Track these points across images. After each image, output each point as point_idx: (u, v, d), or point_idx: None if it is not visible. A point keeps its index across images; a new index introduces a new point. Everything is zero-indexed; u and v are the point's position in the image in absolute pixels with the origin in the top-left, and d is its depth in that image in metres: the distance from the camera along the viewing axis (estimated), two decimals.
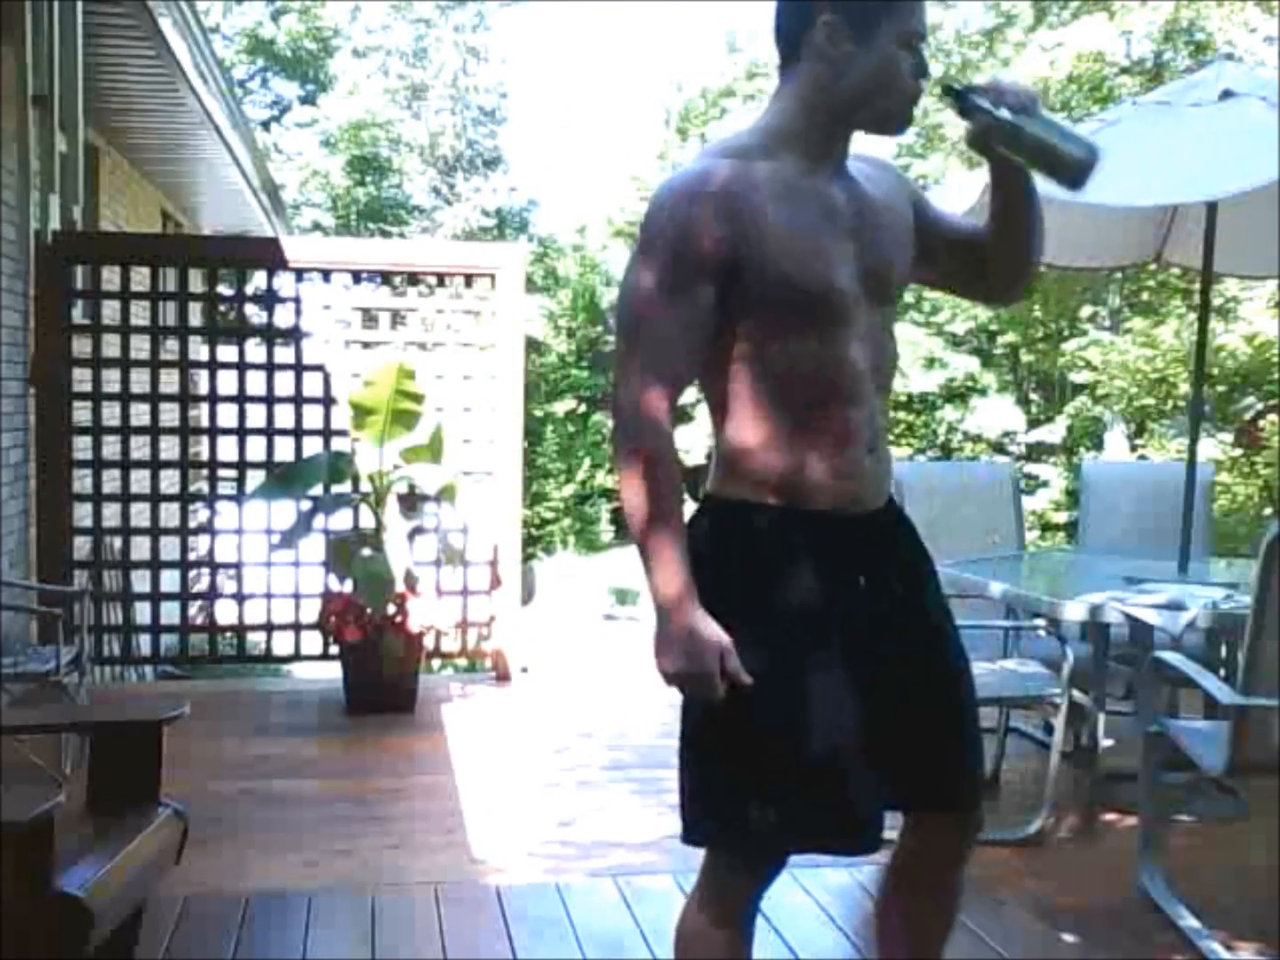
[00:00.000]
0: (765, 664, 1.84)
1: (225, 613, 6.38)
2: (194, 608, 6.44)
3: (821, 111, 1.90)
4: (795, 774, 1.90)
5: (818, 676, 1.88)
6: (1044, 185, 2.15)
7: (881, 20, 1.85)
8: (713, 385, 1.92)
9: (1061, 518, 17.67)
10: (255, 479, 5.96)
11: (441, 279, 6.22)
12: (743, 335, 1.87)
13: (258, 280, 6.23)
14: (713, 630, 1.82)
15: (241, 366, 6.01)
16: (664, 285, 1.81)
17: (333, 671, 5.67)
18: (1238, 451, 12.43)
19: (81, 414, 5.84)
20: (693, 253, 1.80)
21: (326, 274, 6.14)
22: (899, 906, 2.27)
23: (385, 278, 6.40)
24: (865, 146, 2.05)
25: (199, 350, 6.19)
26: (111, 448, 5.89)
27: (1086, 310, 18.22)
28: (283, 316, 6.35)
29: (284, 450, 5.99)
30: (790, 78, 1.92)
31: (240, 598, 6.11)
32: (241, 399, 5.98)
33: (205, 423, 6.06)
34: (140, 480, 5.94)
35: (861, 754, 1.90)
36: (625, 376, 1.85)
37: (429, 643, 5.66)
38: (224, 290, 6.27)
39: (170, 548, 6.02)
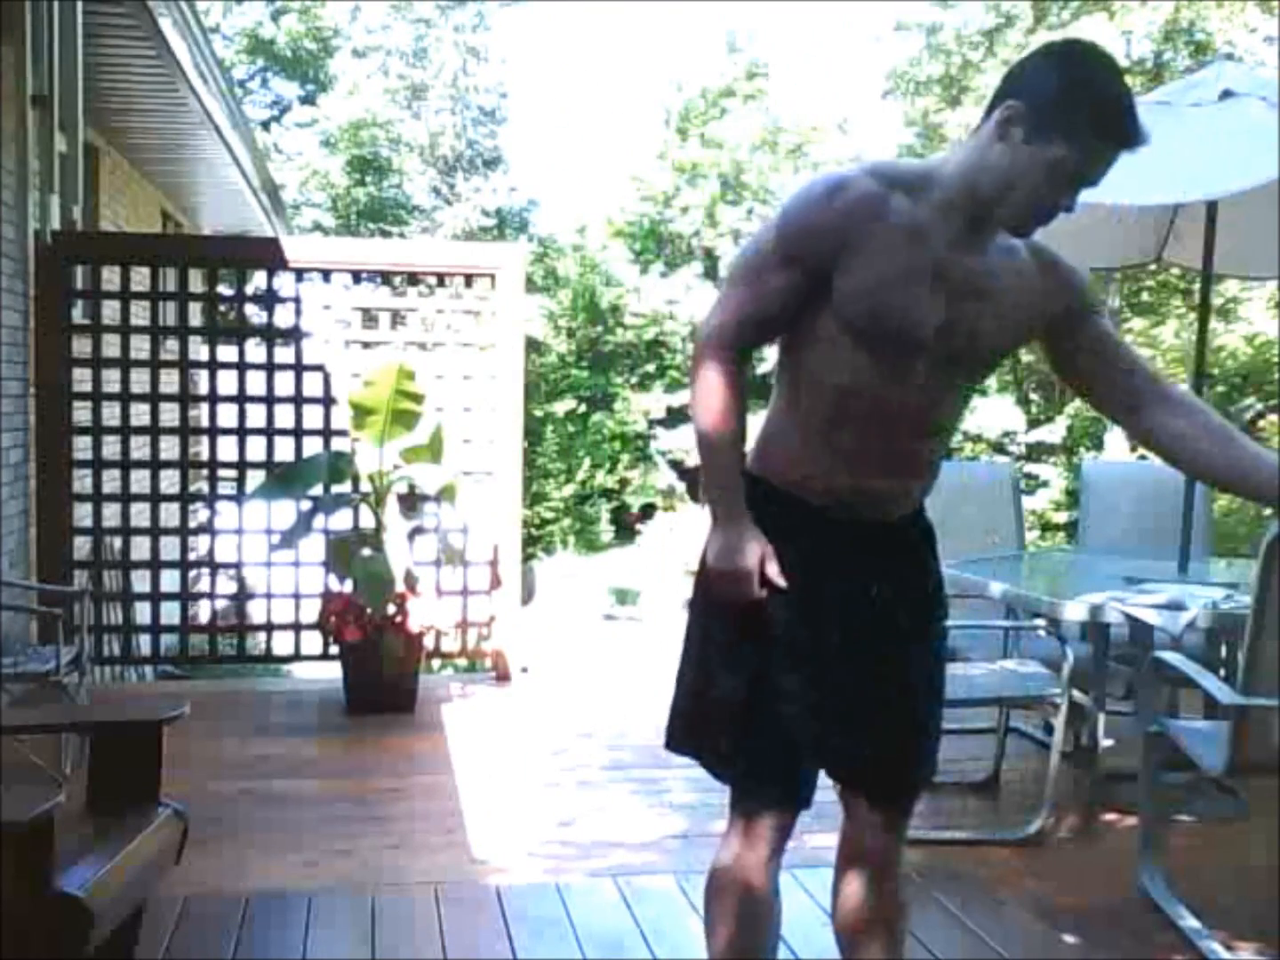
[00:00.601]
0: (758, 651, 2.08)
1: (225, 613, 6.40)
2: (204, 606, 6.43)
3: (969, 181, 1.99)
4: (757, 720, 2.09)
5: (798, 646, 2.08)
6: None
7: (1066, 139, 1.89)
8: (779, 370, 2.13)
9: (1061, 518, 17.67)
10: (255, 479, 5.96)
11: (441, 279, 6.22)
12: (813, 339, 2.05)
13: (258, 280, 6.23)
14: (757, 535, 2.04)
15: (241, 366, 6.01)
16: (774, 252, 2.02)
17: (333, 671, 5.67)
18: None
19: (81, 414, 5.84)
20: (799, 238, 2.00)
21: (326, 274, 6.14)
22: (861, 914, 2.30)
23: (385, 278, 6.40)
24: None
25: (199, 350, 6.19)
26: (111, 448, 5.89)
27: None
28: (283, 316, 6.34)
29: (284, 450, 5.99)
30: (971, 138, 2.02)
31: (240, 598, 6.11)
32: (241, 399, 5.97)
33: (205, 423, 6.06)
34: (140, 480, 5.94)
35: (817, 723, 2.11)
36: (719, 308, 2.08)
37: (429, 643, 5.66)
38: (224, 290, 6.27)
39: (170, 548, 6.02)
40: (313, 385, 6.04)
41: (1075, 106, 1.88)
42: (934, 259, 1.99)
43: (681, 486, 20.33)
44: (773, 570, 2.03)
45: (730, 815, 2.20)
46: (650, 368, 21.92)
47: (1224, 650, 4.48)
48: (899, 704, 2.17)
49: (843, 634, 2.11)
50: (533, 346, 19.84)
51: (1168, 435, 2.13)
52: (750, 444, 2.15)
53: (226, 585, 6.16)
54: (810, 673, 2.09)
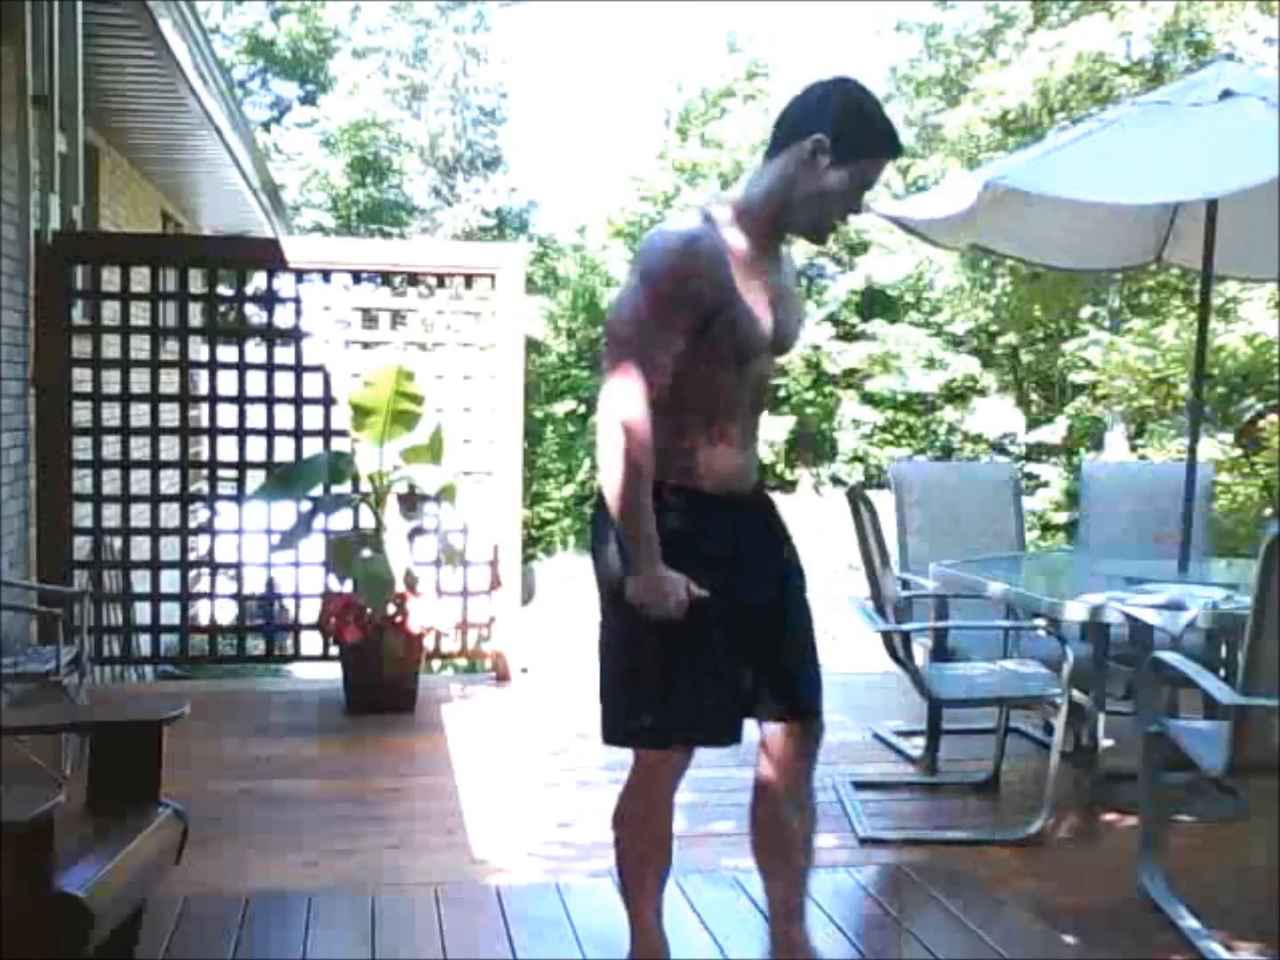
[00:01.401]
0: (675, 621, 2.42)
1: (225, 613, 6.39)
2: (204, 607, 6.42)
3: (779, 205, 2.40)
4: (673, 691, 2.49)
5: (703, 621, 2.42)
6: (1047, 187, 2.19)
7: (857, 159, 2.36)
8: (657, 393, 2.40)
9: (1061, 518, 17.67)
10: (255, 479, 5.96)
11: (441, 279, 6.21)
12: (685, 363, 2.38)
13: (258, 281, 6.22)
14: (673, 571, 2.39)
15: (241, 367, 6.01)
16: (655, 322, 2.34)
17: (333, 672, 5.67)
18: (1238, 451, 12.43)
19: (81, 414, 5.84)
20: (679, 294, 2.32)
21: (326, 274, 6.14)
22: (766, 815, 2.82)
23: (385, 278, 6.39)
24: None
25: (199, 350, 6.18)
26: (111, 448, 5.89)
27: (1086, 310, 18.22)
28: (283, 317, 6.34)
29: (284, 451, 5.99)
30: (771, 166, 2.43)
31: (241, 598, 6.11)
32: (241, 399, 5.97)
33: (205, 423, 6.06)
34: (140, 480, 5.94)
35: (728, 677, 2.53)
36: (615, 379, 2.36)
37: (429, 643, 5.66)
38: (224, 291, 6.27)
39: (170, 548, 6.02)
40: (313, 386, 6.03)
41: (862, 132, 2.35)
42: (762, 281, 2.40)
43: None
44: (694, 589, 2.39)
45: (639, 760, 2.64)
46: None
47: (1224, 650, 4.48)
48: (803, 642, 2.66)
49: (759, 578, 2.55)
50: (533, 347, 19.85)
51: None
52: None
53: (227, 585, 6.15)
54: (741, 635, 2.51)
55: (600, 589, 2.52)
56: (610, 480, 2.36)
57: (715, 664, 2.48)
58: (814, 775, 2.72)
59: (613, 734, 2.59)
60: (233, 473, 6.09)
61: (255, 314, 9.38)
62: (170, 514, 6.03)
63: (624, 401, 2.33)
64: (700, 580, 2.40)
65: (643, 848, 2.77)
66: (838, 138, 2.33)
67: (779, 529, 2.67)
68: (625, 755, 4.59)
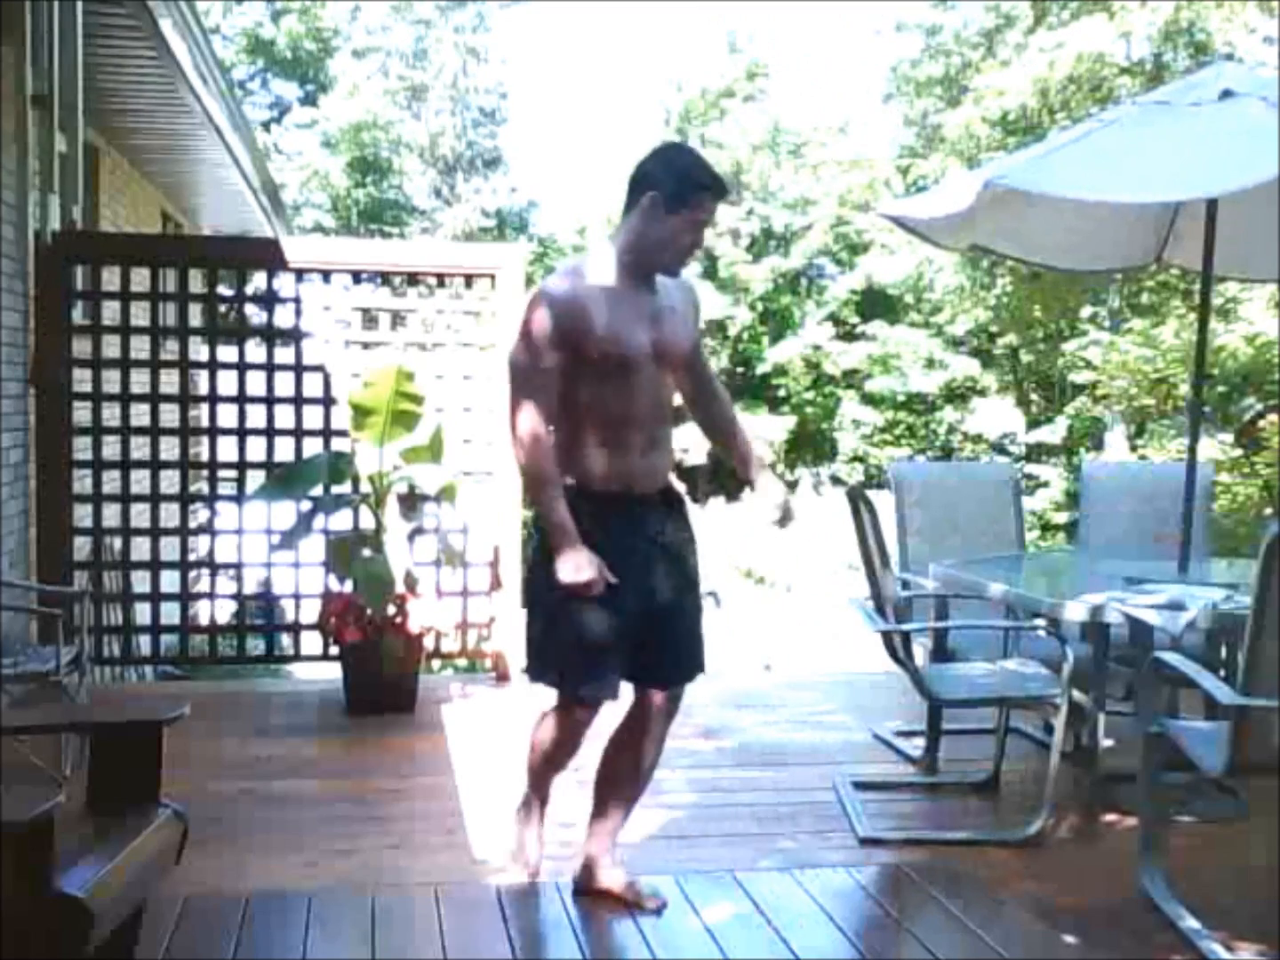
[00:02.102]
0: (581, 603, 3.00)
1: (225, 613, 6.40)
2: (204, 607, 6.43)
3: (636, 250, 3.04)
4: (576, 650, 3.06)
5: (610, 604, 3.00)
6: (1047, 187, 2.18)
7: (685, 208, 2.95)
8: (559, 408, 3.04)
9: (1061, 518, 17.68)
10: (255, 479, 5.96)
11: (441, 279, 6.21)
12: (578, 383, 3.00)
13: (258, 281, 6.22)
14: (590, 553, 2.97)
15: (241, 367, 6.01)
16: (534, 356, 2.98)
17: (333, 672, 5.66)
18: (1238, 451, 12.43)
19: (81, 414, 5.84)
20: (548, 338, 2.96)
21: (326, 274, 6.14)
22: (626, 750, 3.30)
23: (385, 278, 6.40)
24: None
25: (199, 351, 6.18)
26: (111, 448, 5.89)
27: (1086, 310, 18.23)
28: (283, 317, 6.34)
29: (284, 451, 5.99)
30: (626, 222, 3.08)
31: (241, 598, 6.11)
32: (241, 399, 5.97)
33: (205, 423, 6.05)
34: (140, 481, 5.94)
35: (616, 643, 3.05)
36: (517, 411, 3.00)
37: (429, 643, 5.66)
38: (224, 291, 6.27)
39: (170, 548, 6.02)
40: (313, 386, 6.03)
41: (685, 183, 2.95)
42: (633, 307, 2.99)
43: (682, 487, 20.32)
44: (605, 572, 2.98)
45: (560, 699, 3.19)
46: None
47: (1224, 650, 4.47)
48: (690, 616, 3.19)
49: (655, 567, 3.07)
50: None
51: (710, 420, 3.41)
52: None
53: (227, 586, 6.15)
54: (633, 611, 3.04)
55: (531, 561, 3.20)
56: (525, 485, 3.11)
57: (602, 637, 3.04)
58: (669, 723, 3.31)
59: (534, 678, 3.25)
60: (233, 473, 6.09)
61: (255, 314, 9.38)
62: (170, 514, 6.03)
63: (520, 424, 3.00)
64: (600, 551, 2.98)
65: (549, 764, 3.35)
66: (668, 192, 2.95)
67: (680, 528, 3.17)
68: None
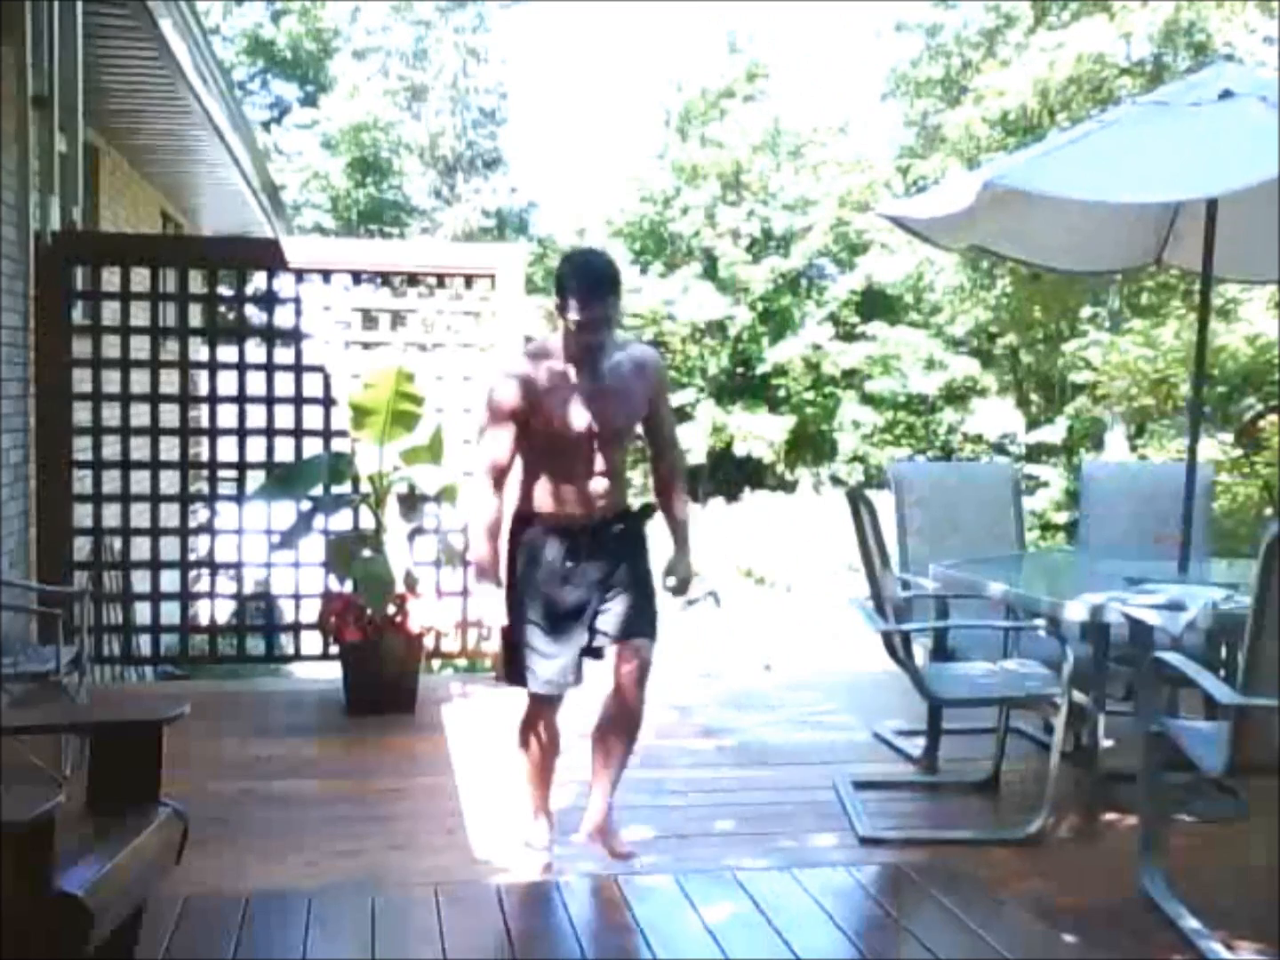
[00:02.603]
0: (523, 596, 3.54)
1: (225, 613, 6.39)
2: (204, 607, 6.42)
3: (564, 340, 3.51)
4: (539, 657, 3.54)
5: (554, 612, 3.52)
6: (1047, 186, 2.17)
7: (567, 311, 3.43)
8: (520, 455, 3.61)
9: (1061, 518, 17.67)
10: (255, 480, 5.96)
11: (441, 280, 6.21)
12: (527, 443, 3.54)
13: (258, 281, 6.22)
14: (496, 590, 3.58)
15: (241, 367, 6.01)
16: (493, 423, 3.54)
17: (333, 672, 5.66)
18: (1238, 451, 12.43)
19: (82, 414, 5.84)
20: (502, 410, 3.51)
21: (326, 275, 6.14)
22: (611, 718, 3.65)
23: (385, 279, 6.39)
24: None
25: (199, 351, 6.19)
26: (111, 448, 5.89)
27: (1086, 311, 18.23)
28: (283, 317, 6.34)
29: (284, 451, 5.99)
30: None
31: (241, 598, 6.11)
32: (241, 400, 5.97)
33: (205, 423, 6.06)
34: (140, 481, 5.94)
35: (562, 639, 3.53)
36: (484, 454, 3.58)
37: (429, 643, 5.66)
38: (224, 291, 6.27)
39: (170, 548, 6.02)
40: (313, 386, 6.04)
41: (563, 289, 3.44)
42: (572, 387, 3.48)
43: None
44: (500, 607, 3.56)
45: (529, 700, 3.62)
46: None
47: (1224, 650, 4.47)
48: (632, 602, 3.57)
49: (594, 575, 3.54)
50: None
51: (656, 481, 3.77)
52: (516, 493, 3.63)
53: (227, 585, 6.15)
54: (576, 616, 3.54)
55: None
56: (473, 521, 3.62)
57: (554, 646, 3.53)
58: (645, 687, 3.61)
59: (507, 681, 3.72)
60: (233, 473, 6.09)
61: (255, 314, 9.37)
62: (170, 514, 6.03)
63: (477, 474, 3.61)
64: (545, 579, 3.52)
65: (534, 757, 3.69)
66: (560, 293, 3.45)
67: (616, 550, 3.58)
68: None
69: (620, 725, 3.64)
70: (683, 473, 3.81)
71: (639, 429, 3.68)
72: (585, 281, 3.44)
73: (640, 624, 3.60)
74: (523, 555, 3.55)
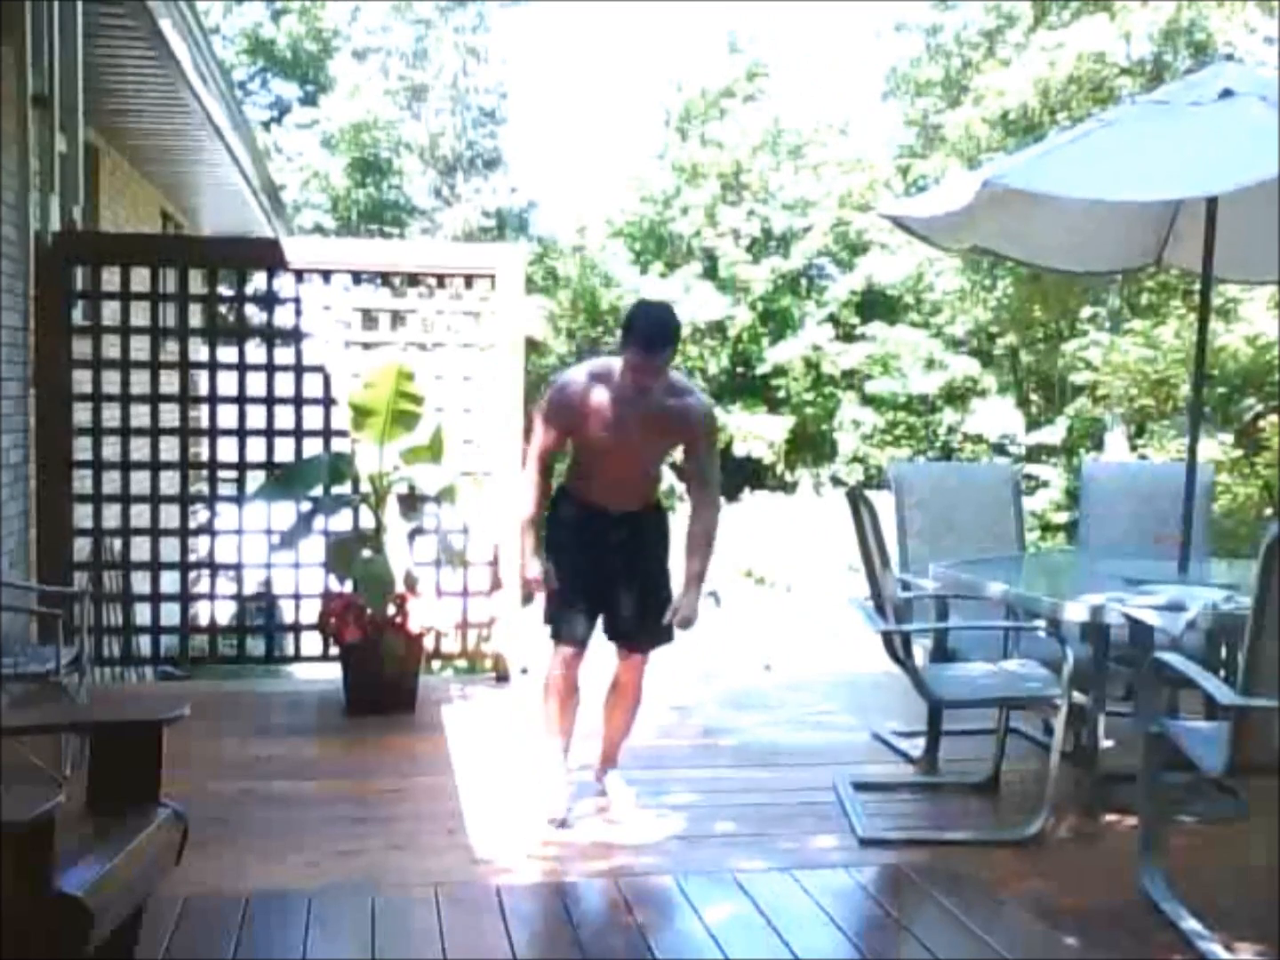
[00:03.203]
0: (561, 563, 4.07)
1: (225, 614, 6.39)
2: (204, 607, 6.42)
3: (624, 373, 3.88)
4: (563, 608, 4.07)
5: (578, 572, 4.05)
6: (1047, 186, 2.18)
7: (626, 349, 3.82)
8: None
9: (1062, 518, 17.66)
10: (255, 480, 5.96)
11: (441, 280, 6.21)
12: (574, 446, 4.08)
13: (258, 281, 6.21)
14: (538, 563, 4.10)
15: (241, 367, 6.01)
16: (545, 424, 4.04)
17: (333, 672, 5.66)
18: (1238, 452, 12.43)
19: (82, 415, 5.84)
20: (553, 416, 4.03)
21: (326, 275, 6.13)
22: (613, 701, 4.23)
23: (385, 279, 6.39)
24: None
25: (199, 351, 6.18)
26: (111, 449, 5.88)
27: (1086, 311, 18.23)
28: (283, 317, 6.34)
29: (284, 451, 5.99)
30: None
31: (241, 598, 6.11)
32: (241, 400, 5.97)
33: (205, 424, 6.05)
34: (140, 481, 5.94)
35: (581, 603, 4.05)
36: (533, 446, 4.11)
37: (429, 644, 5.66)
38: (224, 291, 6.26)
39: (170, 549, 6.02)
40: (313, 386, 6.03)
41: (626, 337, 3.84)
42: (621, 407, 3.90)
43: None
44: (550, 576, 4.08)
45: (554, 650, 4.11)
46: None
47: (1224, 651, 4.47)
48: (647, 594, 4.09)
49: (613, 556, 4.06)
50: (532, 347, 19.82)
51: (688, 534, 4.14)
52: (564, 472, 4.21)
53: (227, 586, 6.15)
54: (595, 582, 4.06)
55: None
56: (518, 505, 4.18)
57: (575, 600, 4.05)
58: (644, 672, 4.15)
59: (544, 622, 4.18)
60: (233, 473, 6.09)
61: (255, 314, 9.37)
62: (170, 515, 6.03)
63: (537, 460, 4.08)
64: (572, 546, 4.06)
65: (552, 709, 4.16)
66: (622, 338, 3.85)
67: (640, 538, 4.11)
68: (625, 756, 4.63)
69: (627, 703, 4.21)
70: (712, 531, 4.13)
71: (679, 466, 4.13)
72: (647, 333, 3.83)
73: (648, 634, 4.08)
74: (559, 529, 4.13)
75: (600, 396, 3.93)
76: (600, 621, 4.13)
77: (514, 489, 4.10)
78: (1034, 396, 21.12)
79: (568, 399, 3.98)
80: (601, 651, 4.20)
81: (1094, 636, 4.23)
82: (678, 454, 4.29)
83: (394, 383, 5.37)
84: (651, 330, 3.84)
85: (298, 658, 6.29)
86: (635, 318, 3.91)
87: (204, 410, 6.09)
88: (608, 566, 4.07)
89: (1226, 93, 4.32)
